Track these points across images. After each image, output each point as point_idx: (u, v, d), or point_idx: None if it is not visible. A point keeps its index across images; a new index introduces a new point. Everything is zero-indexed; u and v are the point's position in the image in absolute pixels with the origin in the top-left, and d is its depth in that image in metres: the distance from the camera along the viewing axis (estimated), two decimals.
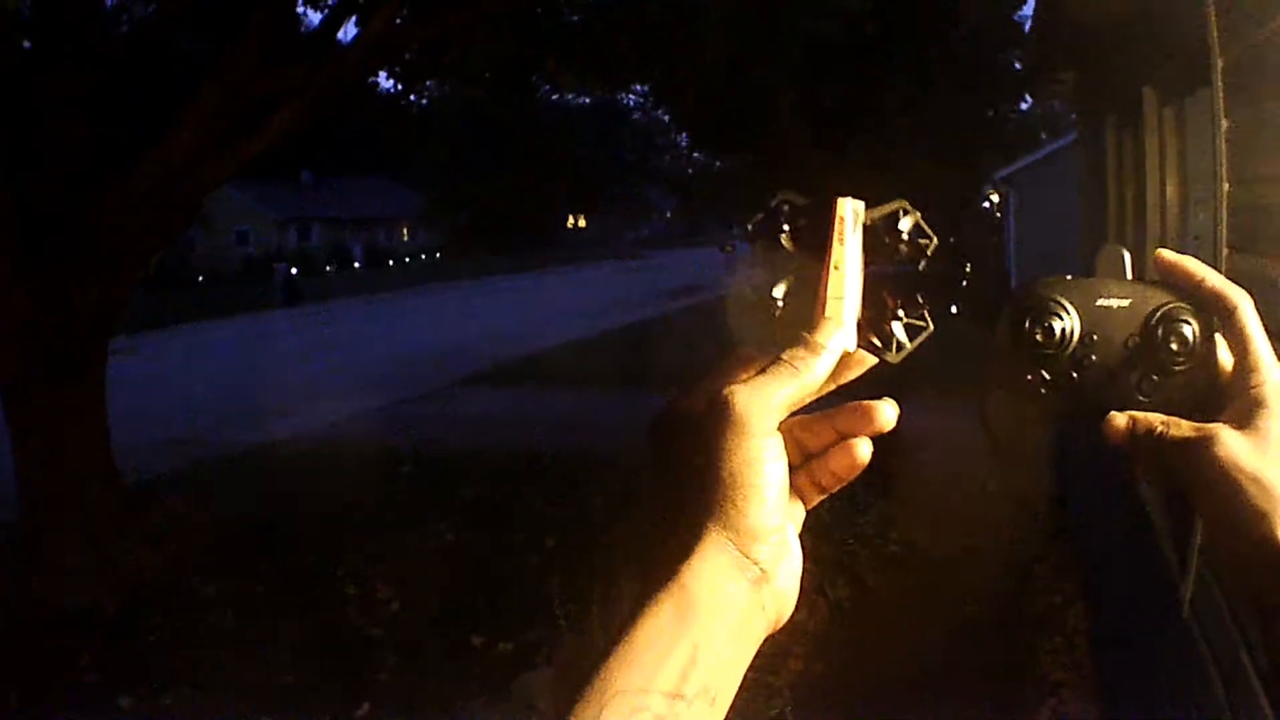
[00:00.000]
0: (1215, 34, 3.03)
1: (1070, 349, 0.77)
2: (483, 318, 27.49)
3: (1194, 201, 4.74)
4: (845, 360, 0.69)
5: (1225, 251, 3.03)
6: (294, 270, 39.46)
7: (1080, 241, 8.24)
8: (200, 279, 47.72)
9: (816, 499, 0.71)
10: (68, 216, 6.94)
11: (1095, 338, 0.77)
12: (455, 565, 7.29)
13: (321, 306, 34.05)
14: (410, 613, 6.57)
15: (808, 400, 0.67)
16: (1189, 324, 0.75)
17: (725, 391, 0.64)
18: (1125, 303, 0.77)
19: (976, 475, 7.98)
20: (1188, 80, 4.10)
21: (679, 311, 25.76)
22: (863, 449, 0.68)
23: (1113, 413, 0.76)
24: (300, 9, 10.17)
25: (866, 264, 0.71)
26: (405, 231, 65.91)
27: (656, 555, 0.64)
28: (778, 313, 0.72)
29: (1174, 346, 0.75)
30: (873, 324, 0.71)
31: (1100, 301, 0.77)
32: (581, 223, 78.52)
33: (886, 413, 0.68)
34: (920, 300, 0.72)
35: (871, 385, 0.71)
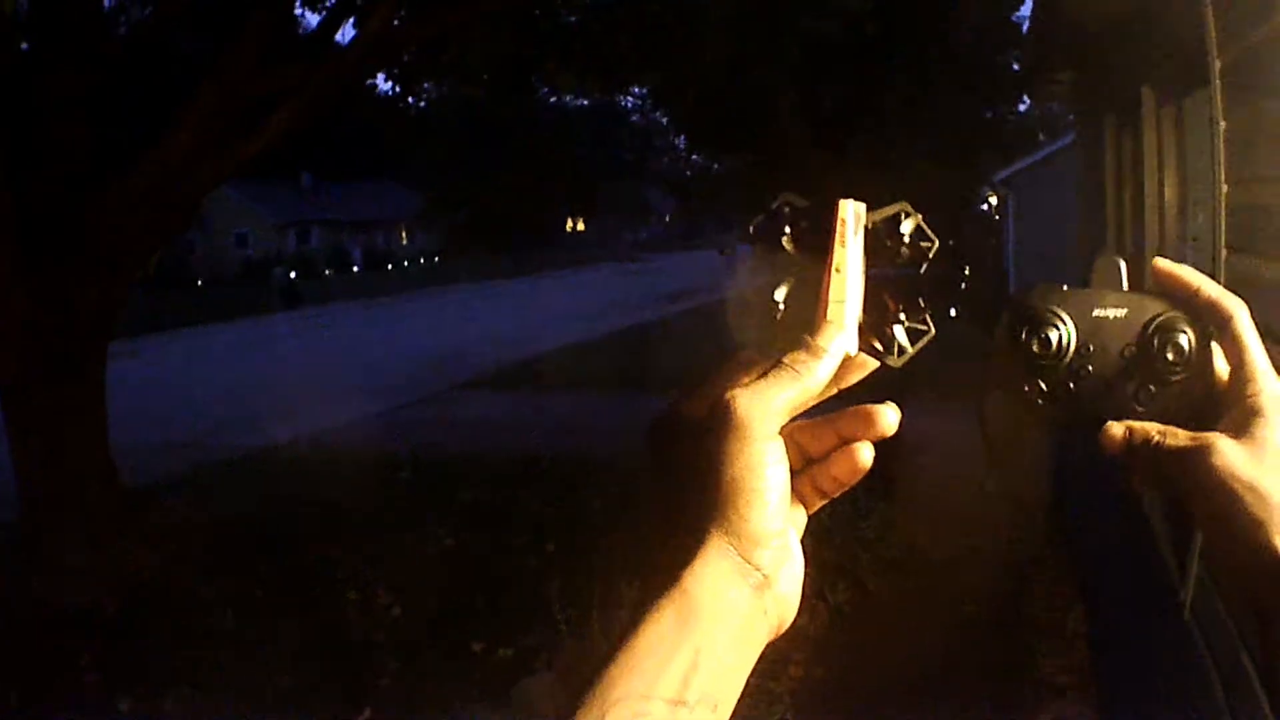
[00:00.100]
0: (1213, 34, 3.04)
1: (1067, 359, 0.77)
2: (481, 321, 27.51)
3: (1192, 202, 4.74)
4: (847, 364, 0.68)
5: (1224, 252, 3.03)
6: (292, 274, 39.54)
7: (1079, 243, 8.24)
8: (199, 282, 47.77)
9: (818, 503, 0.70)
10: (67, 216, 6.94)
11: (1092, 348, 0.77)
12: (455, 569, 7.28)
13: (320, 310, 34.07)
14: (410, 617, 6.56)
15: (809, 404, 0.67)
16: (1185, 333, 0.75)
17: (726, 396, 0.64)
18: (1121, 313, 0.77)
19: (977, 479, 7.97)
20: (1186, 80, 4.11)
21: (678, 315, 25.77)
22: (864, 453, 0.68)
23: (1109, 422, 0.76)
24: (298, 10, 10.19)
25: (868, 267, 0.71)
26: (404, 235, 65.91)
27: (657, 560, 0.64)
28: (779, 316, 0.71)
29: (1170, 356, 0.75)
30: (874, 327, 0.71)
31: (1096, 312, 0.77)
32: (580, 225, 78.55)
33: (888, 417, 0.68)
34: (922, 304, 0.71)
35: (873, 389, 0.71)
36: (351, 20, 8.61)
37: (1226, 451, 0.71)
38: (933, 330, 0.71)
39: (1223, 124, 3.01)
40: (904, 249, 0.72)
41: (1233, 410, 0.74)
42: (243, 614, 6.60)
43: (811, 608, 6.09)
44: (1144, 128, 5.09)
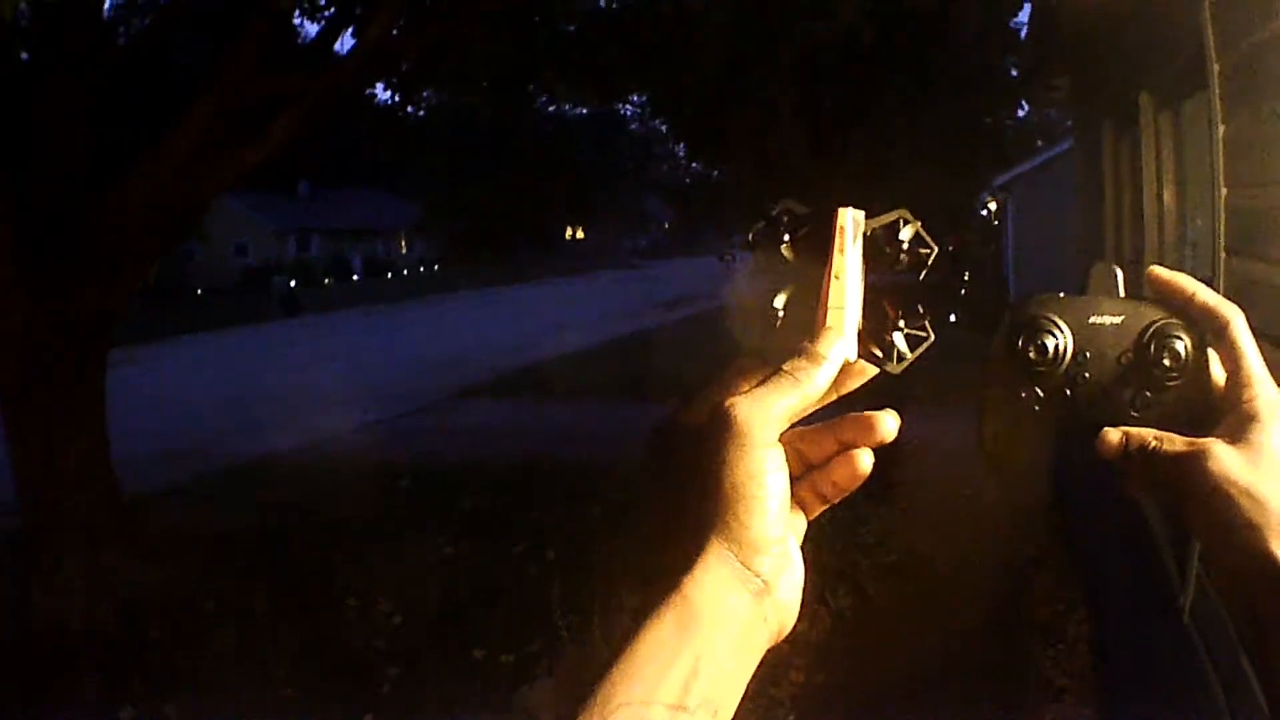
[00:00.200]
0: (1211, 38, 3.04)
1: (1064, 366, 0.77)
2: (481, 329, 27.52)
3: (1191, 206, 4.74)
4: (846, 370, 0.68)
5: (1223, 256, 3.03)
6: (292, 283, 39.54)
7: (1078, 248, 8.24)
8: (199, 290, 47.73)
9: (818, 510, 0.71)
10: (67, 217, 6.94)
11: (1088, 355, 0.77)
12: (456, 577, 7.28)
13: (320, 318, 34.07)
14: (411, 624, 6.56)
15: (809, 411, 0.67)
16: (1181, 340, 0.76)
17: (726, 403, 0.64)
18: (1118, 320, 0.77)
19: (976, 484, 7.97)
20: (1184, 85, 4.11)
21: (677, 322, 25.80)
22: (864, 460, 0.68)
23: (1106, 428, 0.77)
24: (298, 20, 10.19)
25: (867, 273, 0.71)
26: (403, 242, 65.90)
27: (658, 567, 0.64)
28: (778, 323, 0.71)
29: (1167, 363, 0.76)
30: (873, 334, 0.71)
31: (1093, 319, 0.77)
32: (580, 234, 78.53)
33: (888, 423, 0.68)
34: (921, 310, 0.72)
35: (872, 395, 0.71)
36: (350, 29, 8.63)
37: (1223, 457, 0.72)
38: (932, 337, 0.72)
39: (1221, 128, 3.02)
40: (903, 255, 0.72)
41: (1229, 416, 0.74)
42: (244, 623, 6.59)
43: (813, 613, 6.08)
44: (1142, 132, 5.09)
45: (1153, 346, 0.76)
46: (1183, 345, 0.75)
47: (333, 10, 9.32)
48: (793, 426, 0.67)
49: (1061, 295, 0.78)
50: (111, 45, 7.94)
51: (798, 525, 0.69)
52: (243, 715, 5.52)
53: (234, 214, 52.17)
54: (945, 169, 20.59)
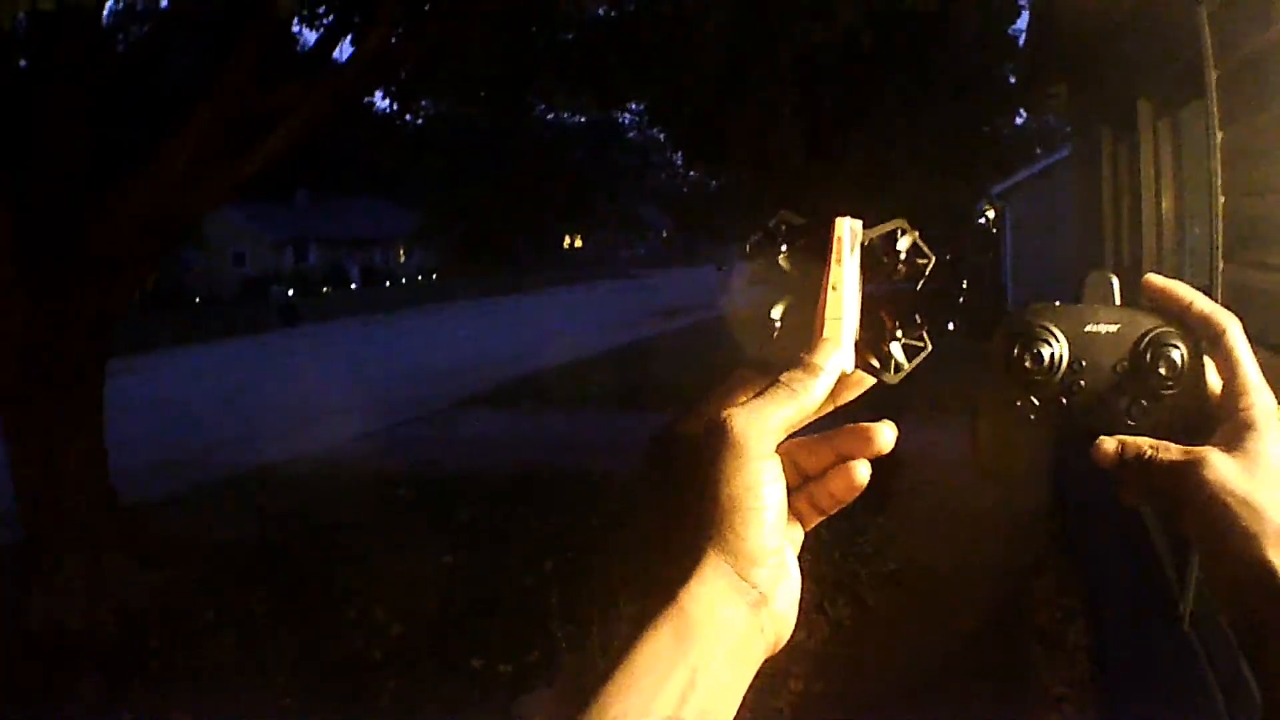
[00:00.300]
0: (1209, 46, 3.04)
1: (1059, 375, 0.77)
2: (479, 338, 27.51)
3: (1189, 213, 4.75)
4: (843, 381, 0.68)
5: (1220, 263, 3.04)
6: (290, 292, 39.53)
7: (1076, 255, 8.25)
8: (197, 300, 47.74)
9: (815, 520, 0.70)
10: (67, 219, 6.95)
11: (1084, 364, 0.77)
12: (454, 587, 7.27)
13: (319, 327, 34.07)
14: (409, 634, 6.55)
15: (806, 422, 0.67)
16: (1177, 348, 0.75)
17: (723, 414, 0.64)
18: (1114, 328, 0.77)
19: (973, 493, 7.96)
20: (1182, 92, 4.12)
21: (674, 332, 25.80)
22: (861, 471, 0.68)
23: (1102, 437, 0.76)
24: (296, 28, 10.21)
25: (864, 284, 0.71)
26: (402, 252, 65.88)
27: (654, 577, 0.64)
28: (775, 333, 0.71)
29: (1163, 371, 0.75)
30: (871, 345, 0.71)
31: (1089, 327, 0.77)
32: (578, 243, 78.56)
33: (885, 435, 0.68)
34: (918, 320, 0.72)
35: (869, 405, 0.71)
36: (349, 37, 8.64)
37: (1219, 465, 0.71)
38: (929, 347, 0.71)
39: (1219, 135, 3.02)
40: (900, 265, 0.72)
41: (1225, 424, 0.74)
42: (242, 632, 6.59)
43: (811, 622, 6.08)
44: (1140, 140, 5.10)
45: (1149, 355, 0.75)
46: (1179, 353, 0.75)
47: (331, 18, 9.34)
48: (790, 437, 0.67)
49: (1057, 304, 0.78)
50: (110, 52, 7.94)
51: (794, 536, 0.69)
52: None
53: (232, 224, 52.12)
54: (945, 172, 20.58)
